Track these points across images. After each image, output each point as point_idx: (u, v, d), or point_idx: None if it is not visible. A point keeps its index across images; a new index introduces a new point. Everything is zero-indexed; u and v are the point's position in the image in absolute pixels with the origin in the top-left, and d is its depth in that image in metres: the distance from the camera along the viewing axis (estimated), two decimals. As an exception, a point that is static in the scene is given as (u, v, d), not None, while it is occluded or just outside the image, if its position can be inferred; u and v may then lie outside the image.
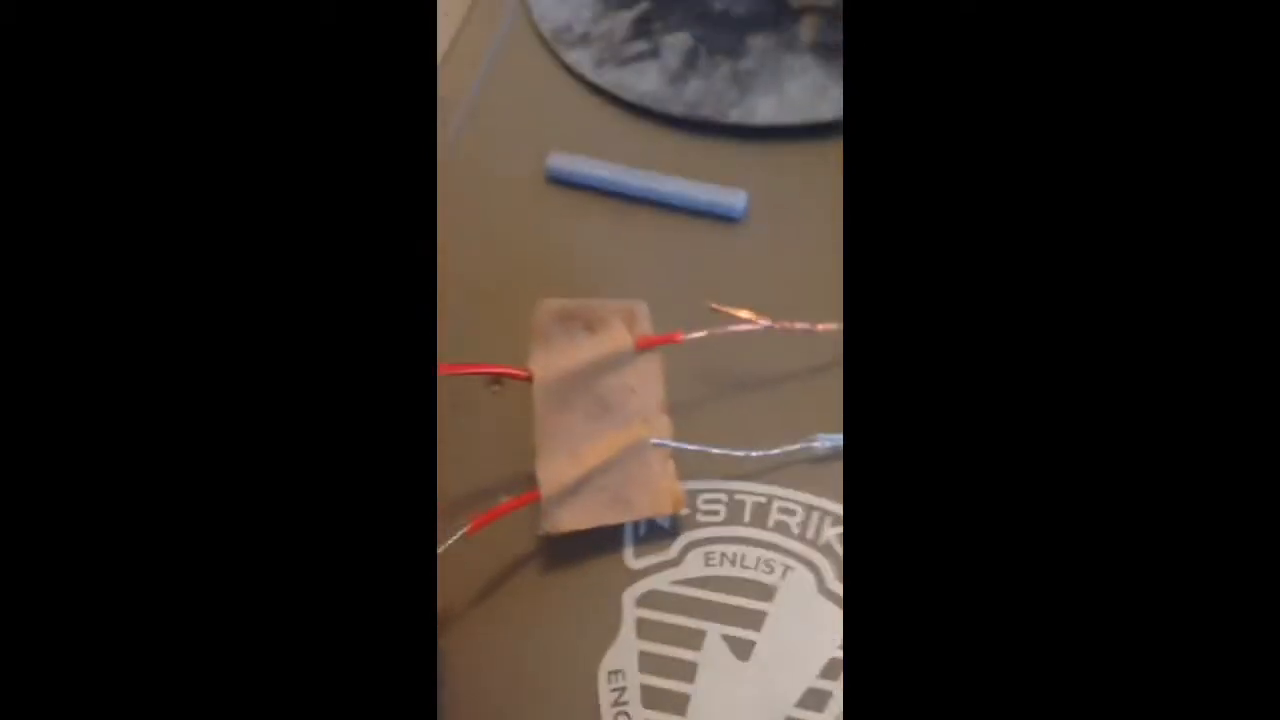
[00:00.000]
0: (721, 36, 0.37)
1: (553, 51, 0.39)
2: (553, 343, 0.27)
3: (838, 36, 0.36)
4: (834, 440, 0.28)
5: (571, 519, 0.26)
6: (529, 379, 0.27)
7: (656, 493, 0.27)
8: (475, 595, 0.27)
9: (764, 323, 0.28)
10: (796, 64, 0.36)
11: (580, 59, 0.38)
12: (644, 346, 0.28)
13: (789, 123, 0.35)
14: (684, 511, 0.27)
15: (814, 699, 0.25)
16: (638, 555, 0.28)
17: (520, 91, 0.38)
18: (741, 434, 0.28)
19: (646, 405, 0.27)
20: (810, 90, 0.35)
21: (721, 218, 0.34)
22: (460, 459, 0.29)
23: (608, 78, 0.37)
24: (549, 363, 0.27)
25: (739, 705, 0.25)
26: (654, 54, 0.38)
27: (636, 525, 0.28)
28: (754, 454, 0.28)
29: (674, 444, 0.27)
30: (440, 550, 0.25)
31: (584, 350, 0.27)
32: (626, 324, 0.28)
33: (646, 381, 0.28)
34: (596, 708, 0.25)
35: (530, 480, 0.27)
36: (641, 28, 0.39)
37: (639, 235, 0.34)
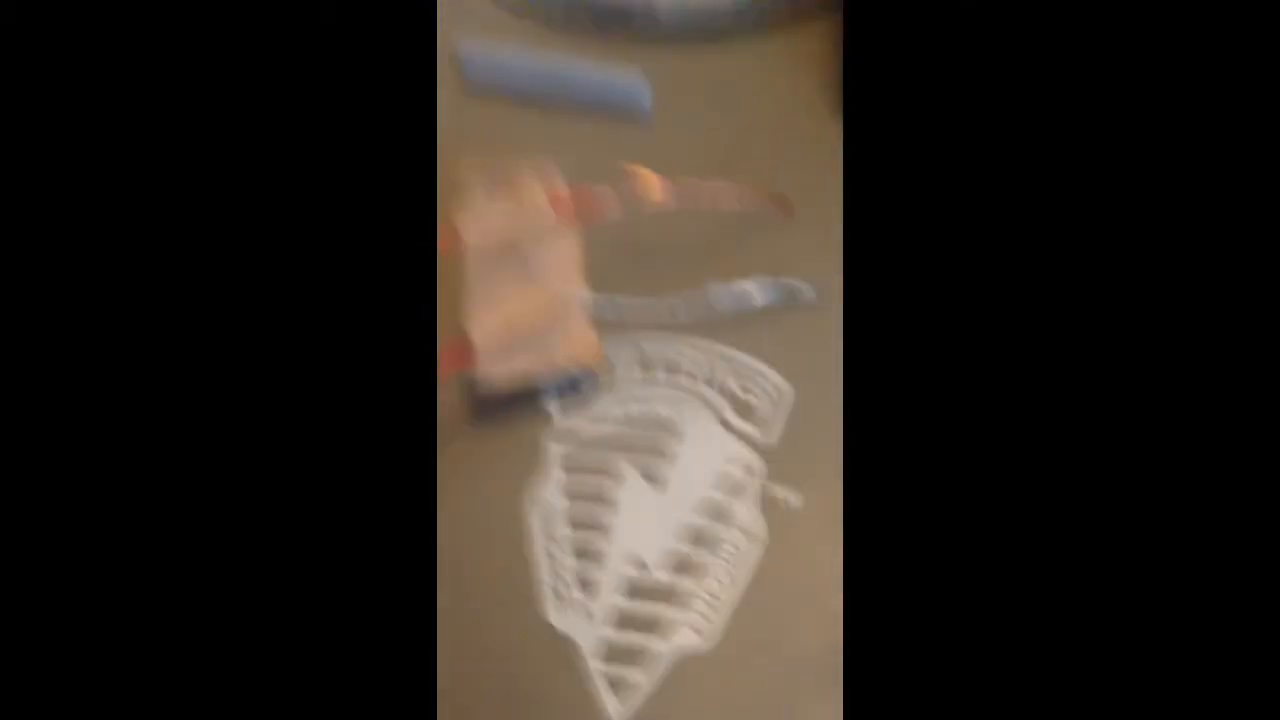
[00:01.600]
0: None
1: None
2: (479, 208, 0.29)
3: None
4: (724, 290, 0.31)
5: (499, 368, 0.28)
6: (457, 240, 0.29)
7: (575, 344, 0.29)
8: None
9: (669, 186, 0.30)
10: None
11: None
12: (563, 214, 0.30)
13: (687, 15, 0.37)
14: (599, 362, 0.30)
15: (720, 513, 0.28)
16: (557, 404, 0.30)
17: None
18: (648, 292, 0.31)
19: (563, 265, 0.30)
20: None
21: (627, 112, 0.36)
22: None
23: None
24: (478, 229, 0.29)
25: (655, 522, 0.28)
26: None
27: (555, 378, 0.30)
28: (660, 304, 0.30)
29: (590, 298, 0.29)
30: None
31: (509, 217, 0.29)
32: (541, 183, 0.30)
33: (564, 245, 0.30)
34: (523, 531, 0.28)
35: (456, 340, 0.29)
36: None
37: (550, 125, 0.35)
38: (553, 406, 0.30)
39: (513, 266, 0.29)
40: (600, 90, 0.36)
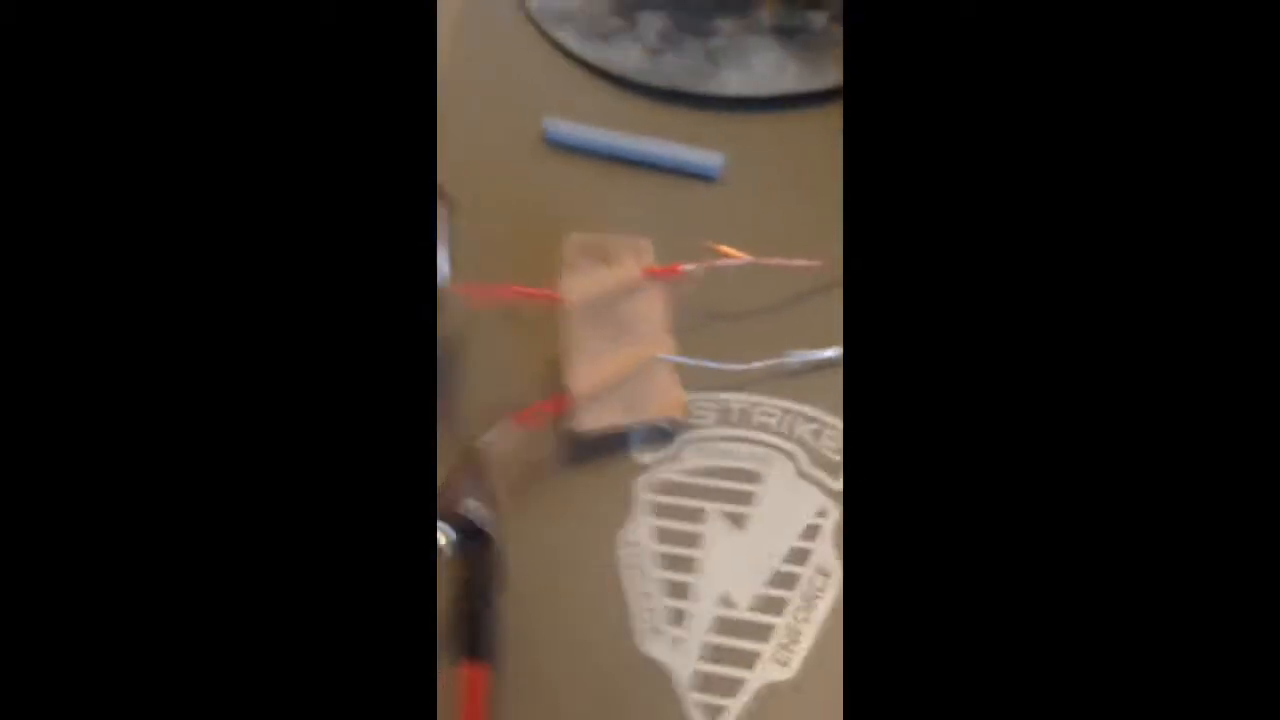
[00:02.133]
0: (692, 18, 0.43)
1: (539, 27, 0.43)
2: (577, 272, 0.33)
3: (793, 20, 0.42)
4: (803, 356, 0.34)
5: (595, 419, 0.32)
6: (557, 301, 0.32)
7: (665, 399, 0.32)
8: (512, 490, 0.32)
9: (747, 258, 0.33)
10: (760, 43, 0.42)
11: (566, 36, 0.43)
12: (650, 276, 0.33)
13: (755, 94, 0.40)
14: (686, 416, 0.33)
15: (797, 555, 0.31)
16: (644, 453, 0.33)
17: (514, 66, 0.43)
18: (730, 353, 0.34)
19: (654, 327, 0.33)
20: (772, 66, 0.41)
21: (700, 177, 0.39)
22: (479, 376, 0.34)
23: (592, 53, 0.42)
24: (575, 288, 0.32)
25: (738, 562, 0.31)
26: (632, 31, 0.43)
27: (641, 429, 0.33)
28: (740, 367, 0.33)
29: (678, 359, 0.33)
30: (481, 443, 0.30)
31: (604, 279, 0.32)
32: (635, 257, 0.33)
33: (654, 307, 0.33)
34: (615, 570, 0.31)
35: (546, 394, 0.32)
36: (619, 7, 0.44)
37: (630, 190, 0.39)
38: (643, 455, 0.33)
39: (609, 327, 0.33)
40: (675, 156, 0.39)
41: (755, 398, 0.34)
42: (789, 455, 0.33)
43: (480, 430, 0.31)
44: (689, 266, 0.33)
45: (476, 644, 0.28)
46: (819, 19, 0.42)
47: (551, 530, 0.32)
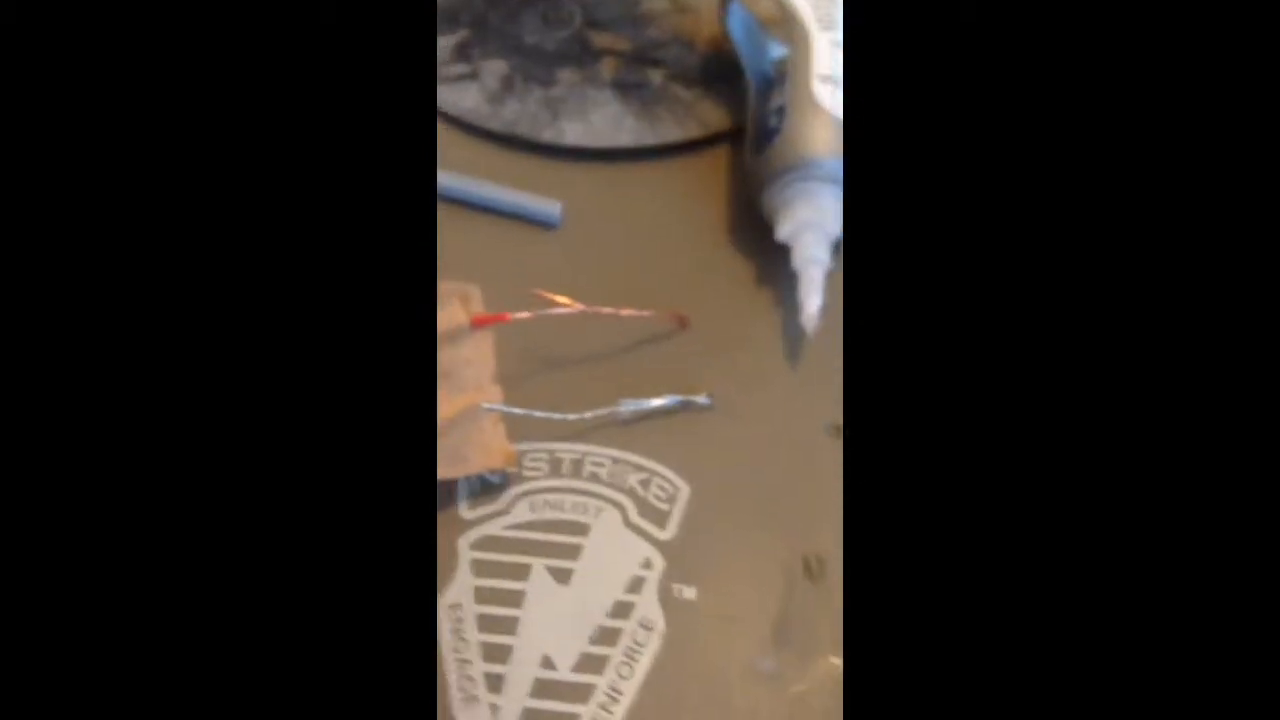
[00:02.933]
0: (534, 67, 0.43)
1: (377, 65, 0.42)
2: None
3: (632, 76, 0.43)
4: (635, 405, 0.34)
5: (414, 474, 0.30)
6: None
7: (489, 450, 0.31)
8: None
9: (579, 307, 0.33)
10: (599, 96, 0.42)
11: (404, 75, 0.42)
12: (478, 324, 0.32)
13: (593, 146, 0.41)
14: (513, 468, 0.32)
15: (621, 609, 0.30)
16: (471, 508, 0.32)
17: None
18: (561, 402, 0.33)
19: (480, 375, 0.32)
20: (610, 120, 0.42)
21: (539, 223, 0.39)
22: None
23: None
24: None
25: (560, 620, 0.30)
26: (474, 76, 0.42)
27: (469, 480, 0.32)
28: (570, 417, 0.33)
29: (504, 408, 0.32)
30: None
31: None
32: (462, 303, 0.32)
33: (480, 354, 0.32)
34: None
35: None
36: (462, 53, 0.43)
37: (467, 233, 0.38)
38: (469, 510, 0.32)
39: (438, 376, 0.31)
40: (515, 202, 0.39)
41: (587, 447, 0.33)
42: (617, 505, 0.32)
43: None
44: (519, 315, 0.33)
45: None
46: (657, 76, 0.43)
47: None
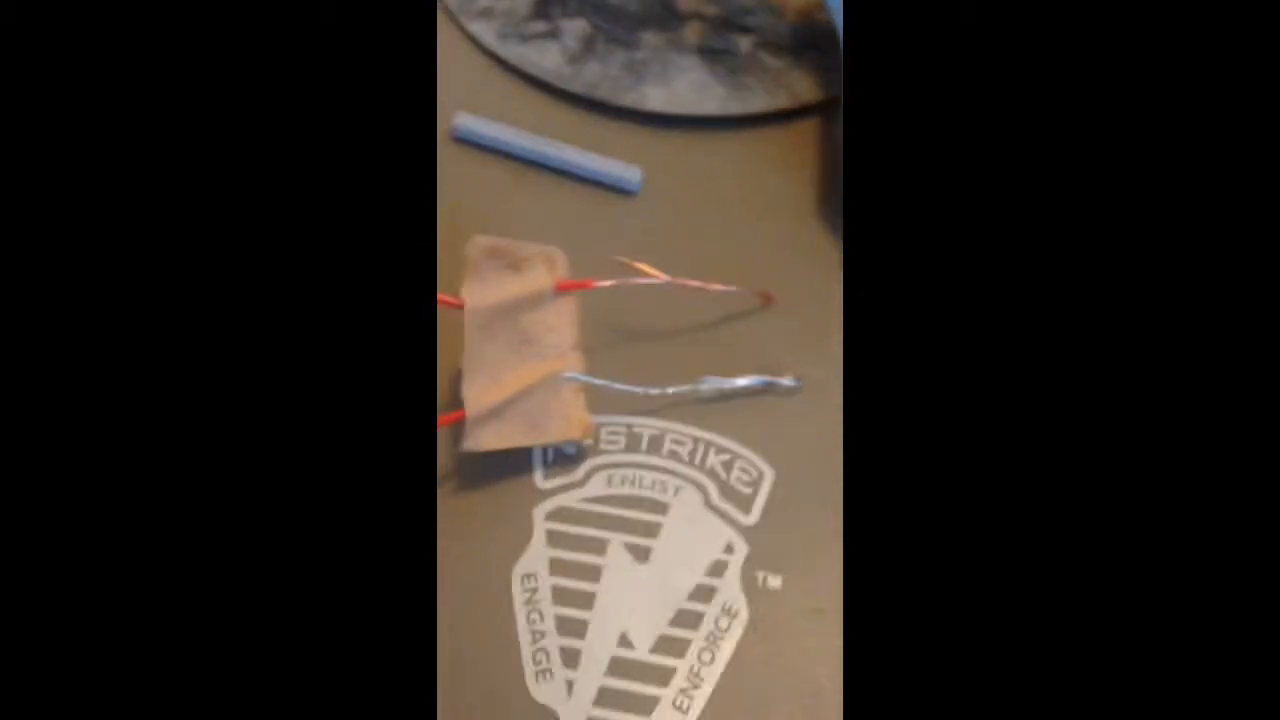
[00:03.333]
0: (616, 27, 0.41)
1: (456, 22, 0.41)
2: (482, 276, 0.30)
3: (719, 42, 0.41)
4: (719, 382, 0.32)
5: (491, 439, 0.29)
6: (461, 307, 0.29)
7: (568, 420, 0.30)
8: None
9: (665, 278, 0.32)
10: (684, 61, 0.41)
11: (483, 31, 0.41)
12: (563, 289, 0.31)
13: (676, 113, 0.39)
14: (590, 440, 0.31)
15: (702, 593, 0.29)
16: (546, 478, 0.31)
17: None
18: (641, 374, 0.32)
19: (562, 342, 0.31)
20: (695, 87, 0.40)
21: (617, 190, 0.38)
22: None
23: (511, 52, 0.40)
24: (479, 294, 0.30)
25: (639, 598, 0.28)
26: (554, 35, 0.41)
27: (545, 451, 0.31)
28: (653, 391, 0.31)
29: (585, 378, 0.30)
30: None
31: (510, 286, 0.30)
32: (546, 267, 0.31)
33: (563, 320, 0.31)
34: (511, 606, 0.28)
35: (452, 402, 0.29)
36: (541, 9, 0.42)
37: (542, 196, 0.37)
38: (544, 480, 0.30)
39: (513, 339, 0.30)
40: (594, 166, 0.37)
41: (666, 424, 0.32)
42: (698, 486, 0.31)
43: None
44: (604, 281, 0.31)
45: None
46: (745, 43, 0.41)
47: (442, 557, 0.29)
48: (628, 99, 0.39)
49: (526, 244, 0.31)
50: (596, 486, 0.30)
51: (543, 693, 0.27)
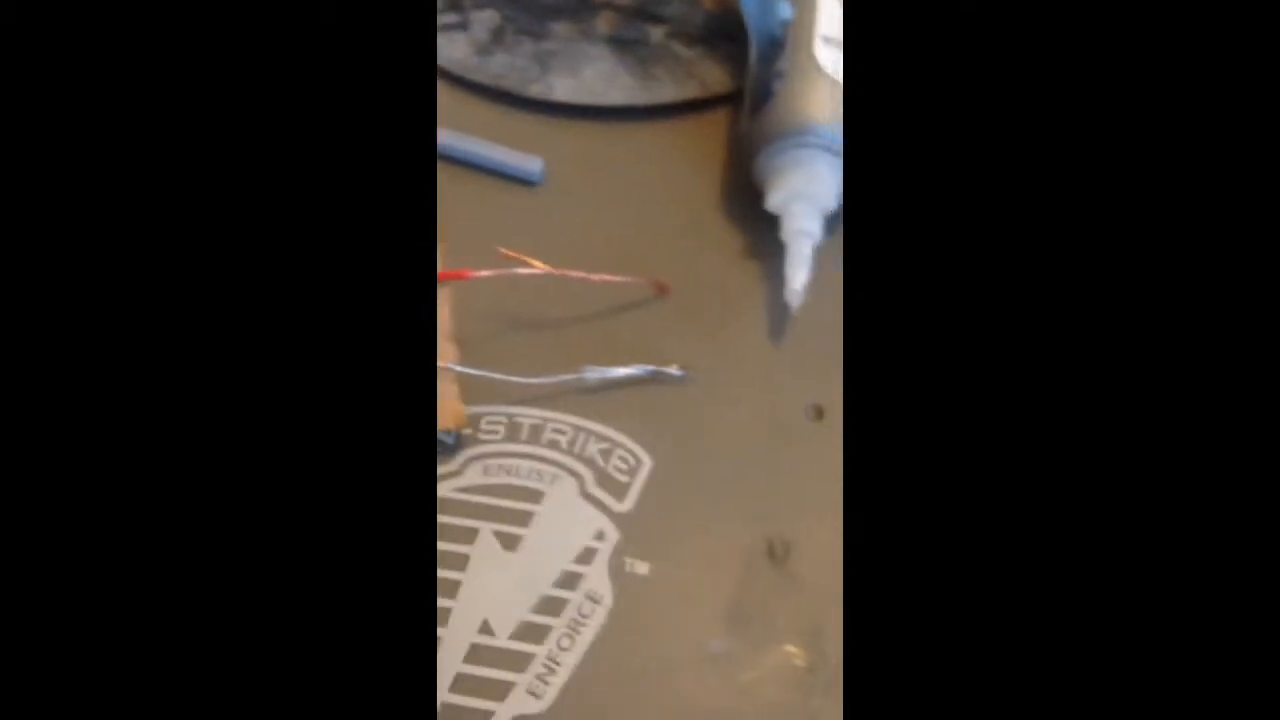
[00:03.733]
0: (526, 18, 0.41)
1: (368, 12, 0.41)
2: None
3: (630, 32, 0.41)
4: (601, 372, 0.32)
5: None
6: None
7: (442, 411, 0.30)
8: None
9: (544, 269, 0.32)
10: (593, 51, 0.41)
11: (395, 23, 0.41)
12: (443, 279, 0.31)
13: (583, 103, 0.39)
14: (466, 430, 0.31)
15: (569, 579, 0.29)
16: (423, 467, 0.31)
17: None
18: (528, 365, 0.32)
19: (439, 333, 0.31)
20: (603, 77, 0.40)
21: (519, 180, 0.38)
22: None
23: (420, 43, 0.40)
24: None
25: (504, 586, 0.29)
26: (463, 26, 0.41)
27: (423, 440, 0.31)
28: (531, 380, 0.32)
29: (458, 368, 0.31)
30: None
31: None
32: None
33: (441, 311, 0.31)
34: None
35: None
36: (453, 1, 0.42)
37: (441, 187, 0.37)
38: (418, 468, 0.31)
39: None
40: (495, 158, 0.38)
41: (548, 414, 0.32)
42: (574, 474, 0.31)
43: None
44: (482, 272, 0.31)
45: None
46: (657, 33, 0.41)
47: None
48: (534, 89, 0.39)
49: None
50: (472, 476, 0.31)
51: (402, 678, 0.27)
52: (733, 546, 0.30)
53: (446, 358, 0.31)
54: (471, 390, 0.31)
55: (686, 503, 0.31)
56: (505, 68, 0.40)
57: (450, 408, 0.30)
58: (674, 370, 0.33)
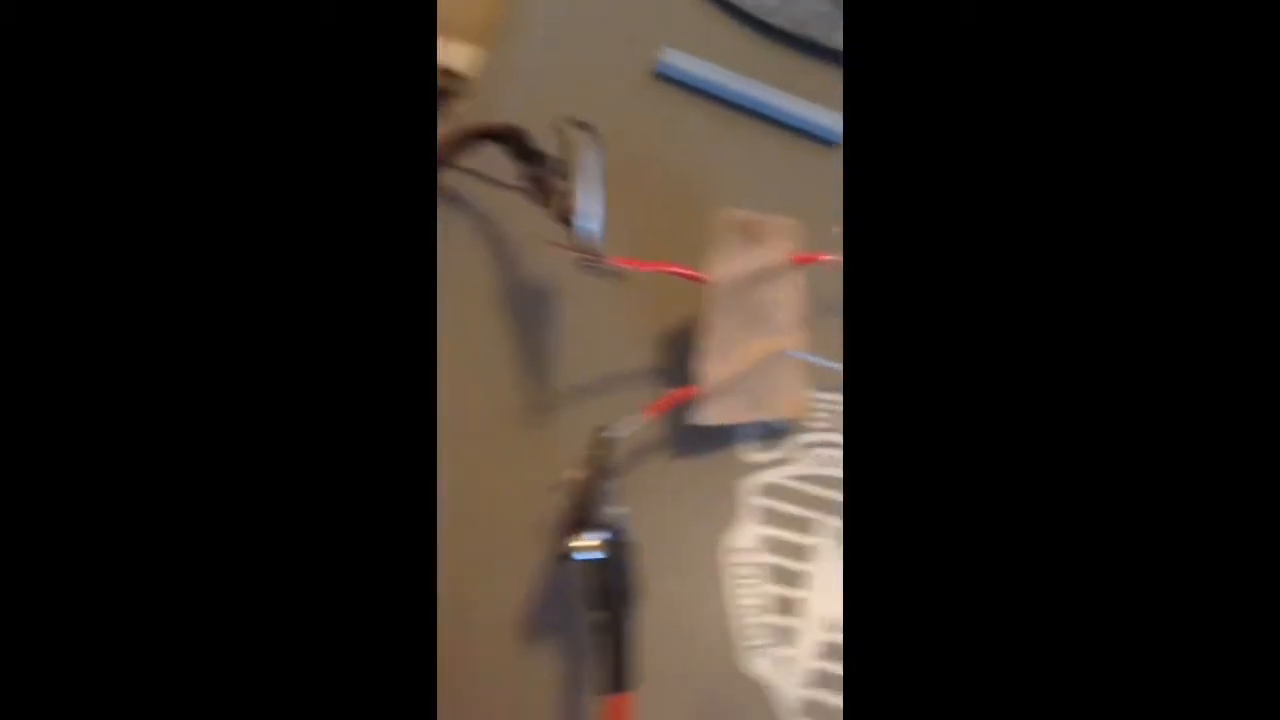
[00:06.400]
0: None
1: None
2: (727, 250, 0.29)
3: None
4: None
5: (719, 414, 0.29)
6: (699, 280, 0.28)
7: (791, 398, 0.29)
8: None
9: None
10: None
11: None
12: (799, 264, 0.30)
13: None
14: (805, 418, 0.30)
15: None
16: (754, 452, 0.30)
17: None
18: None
19: (789, 318, 0.30)
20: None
21: (818, 139, 0.35)
22: (583, 347, 0.30)
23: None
24: (722, 268, 0.29)
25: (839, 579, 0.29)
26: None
27: (757, 427, 0.30)
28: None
29: (809, 357, 0.30)
30: (606, 434, 0.27)
31: (750, 260, 0.29)
32: (782, 240, 0.29)
33: (792, 296, 0.30)
34: (719, 579, 0.29)
35: (662, 374, 0.29)
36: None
37: (741, 143, 0.35)
38: (751, 454, 0.30)
39: (746, 314, 0.29)
40: (795, 112, 0.35)
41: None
42: (903, 471, 0.31)
43: (597, 416, 0.28)
44: (833, 256, 0.30)
45: (620, 669, 0.25)
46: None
47: (652, 529, 0.29)
48: (837, 39, 0.37)
49: (770, 217, 0.30)
50: (802, 464, 0.30)
51: (755, 667, 0.28)
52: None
53: (798, 345, 0.30)
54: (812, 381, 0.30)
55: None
56: (809, 14, 0.37)
57: (800, 395, 0.30)
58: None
